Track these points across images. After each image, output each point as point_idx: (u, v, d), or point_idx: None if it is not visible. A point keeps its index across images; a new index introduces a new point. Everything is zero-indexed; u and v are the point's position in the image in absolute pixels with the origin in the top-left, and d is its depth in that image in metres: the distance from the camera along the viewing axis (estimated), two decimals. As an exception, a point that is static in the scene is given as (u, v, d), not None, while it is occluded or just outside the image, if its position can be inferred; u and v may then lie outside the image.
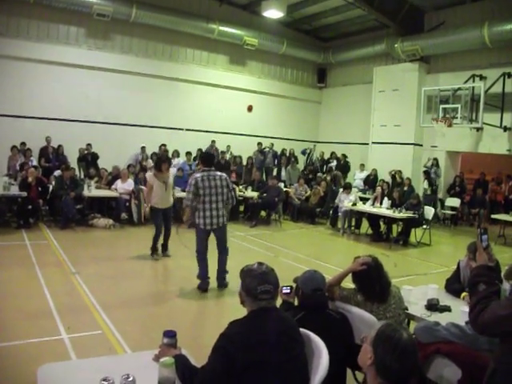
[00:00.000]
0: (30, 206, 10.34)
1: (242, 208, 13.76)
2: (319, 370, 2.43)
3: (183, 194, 8.04)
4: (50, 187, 11.23)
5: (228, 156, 16.85)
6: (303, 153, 17.86)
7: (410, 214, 10.78)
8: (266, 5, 15.28)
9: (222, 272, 6.81)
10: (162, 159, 8.69)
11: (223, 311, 5.88)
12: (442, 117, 13.36)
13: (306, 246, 10.84)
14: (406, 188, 13.53)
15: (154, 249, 8.40)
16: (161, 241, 8.46)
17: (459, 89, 13.31)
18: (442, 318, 3.54)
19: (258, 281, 2.42)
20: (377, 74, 17.53)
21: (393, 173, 15.39)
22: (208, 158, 7.00)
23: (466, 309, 3.76)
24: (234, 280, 6.84)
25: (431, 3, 15.57)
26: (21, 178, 11.09)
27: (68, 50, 15.00)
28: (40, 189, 10.68)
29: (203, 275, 6.71)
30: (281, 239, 11.22)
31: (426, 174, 14.93)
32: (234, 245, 10.04)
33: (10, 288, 6.28)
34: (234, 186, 13.00)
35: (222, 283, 6.79)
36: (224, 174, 6.79)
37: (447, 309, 3.89)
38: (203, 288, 6.68)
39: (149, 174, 8.49)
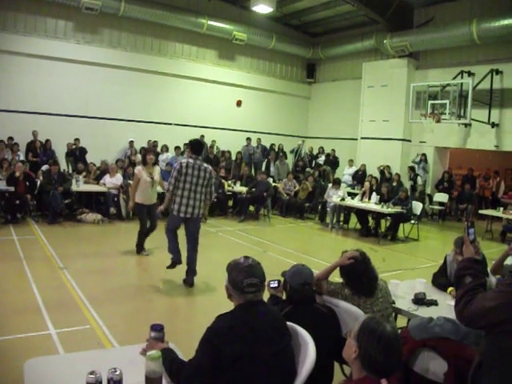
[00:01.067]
0: (17, 201, 10.27)
1: (230, 203, 13.78)
2: (306, 363, 2.43)
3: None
4: (38, 182, 11.16)
5: (215, 151, 16.81)
6: (292, 151, 17.84)
7: (398, 209, 10.85)
8: (255, 0, 15.23)
9: (191, 272, 6.66)
10: (147, 150, 8.63)
11: (210, 305, 5.87)
12: (431, 113, 13.41)
13: (294, 240, 10.87)
14: (394, 183, 13.59)
15: (140, 246, 8.31)
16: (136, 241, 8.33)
17: (448, 85, 13.36)
18: (429, 312, 3.56)
19: (244, 274, 2.43)
20: (366, 69, 17.57)
21: (381, 168, 15.46)
22: (197, 146, 6.75)
23: (453, 303, 3.80)
24: (221, 274, 6.85)
25: (419, 0, 15.61)
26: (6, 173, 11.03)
27: (56, 43, 14.86)
28: (28, 183, 10.62)
29: (173, 249, 6.68)
30: (269, 234, 11.24)
31: (412, 170, 15.00)
32: (222, 239, 10.13)
33: (-3, 283, 6.25)
34: (223, 180, 13.05)
35: (190, 283, 6.66)
36: (210, 167, 6.68)
37: (434, 303, 3.91)
38: (177, 260, 6.69)
39: (137, 168, 8.41)
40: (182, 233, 6.73)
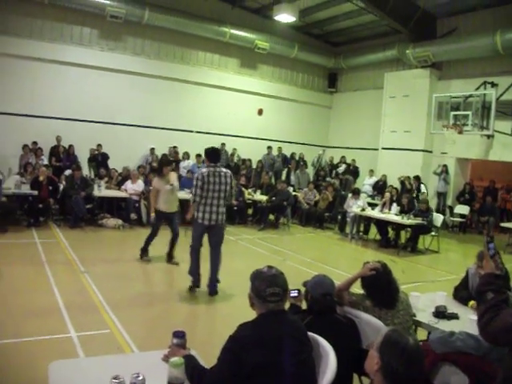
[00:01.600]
0: (40, 205, 10.44)
1: (250, 211, 13.80)
2: (327, 374, 2.45)
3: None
4: (61, 186, 11.31)
5: (235, 159, 16.88)
6: (313, 164, 17.80)
7: (418, 221, 10.76)
8: (278, 9, 15.29)
9: (214, 280, 6.66)
10: (163, 162, 8.67)
11: (229, 313, 5.88)
12: (453, 123, 13.31)
13: (313, 250, 10.85)
14: (415, 194, 13.49)
15: (144, 250, 8.26)
16: (167, 249, 8.26)
17: (470, 96, 13.26)
18: (450, 326, 3.54)
19: (267, 283, 2.45)
20: (388, 79, 17.52)
21: (402, 179, 15.36)
22: (213, 154, 6.73)
23: (474, 317, 3.78)
24: (242, 282, 6.87)
25: (444, 9, 15.50)
26: (30, 176, 11.20)
27: (81, 50, 15.14)
28: (51, 188, 10.76)
29: (194, 272, 6.69)
30: (289, 243, 11.24)
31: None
32: (241, 247, 10.15)
33: (20, 285, 6.34)
34: (243, 189, 13.09)
35: (213, 291, 6.65)
36: (229, 171, 6.69)
37: (455, 316, 3.88)
38: (197, 284, 6.69)
39: (154, 180, 8.46)
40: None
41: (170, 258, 8.25)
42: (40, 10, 14.33)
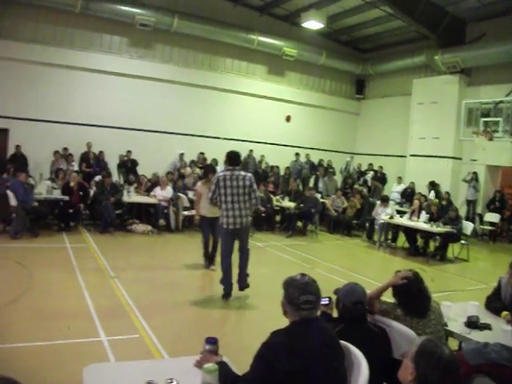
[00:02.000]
0: (71, 210, 10.63)
1: (278, 218, 13.80)
2: (359, 383, 2.43)
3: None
4: (91, 192, 11.48)
5: (263, 165, 16.90)
6: (341, 171, 17.75)
7: (447, 229, 10.63)
8: (306, 16, 15.34)
9: (242, 275, 6.75)
10: (209, 169, 8.79)
11: (257, 320, 5.89)
12: (483, 130, 13.16)
13: (341, 257, 10.80)
14: (444, 202, 13.34)
15: (207, 255, 8.33)
16: (208, 253, 8.34)
17: (501, 102, 13.09)
18: (482, 337, 3.49)
19: (300, 291, 2.45)
20: (416, 85, 17.40)
21: (431, 186, 15.21)
22: (233, 157, 6.76)
23: (508, 328, 3.72)
24: (268, 288, 6.88)
25: (473, 14, 15.36)
26: (61, 182, 11.41)
27: (110, 58, 15.41)
28: (81, 193, 10.93)
29: (227, 283, 6.72)
30: (317, 250, 11.19)
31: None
32: (269, 254, 10.15)
33: (52, 289, 6.45)
34: (271, 195, 13.09)
35: (243, 285, 6.74)
36: (249, 174, 6.66)
37: (487, 327, 3.81)
38: (229, 293, 6.71)
39: (198, 185, 8.61)
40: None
41: (210, 261, 8.31)
42: (71, 20, 14.64)
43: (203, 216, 8.21)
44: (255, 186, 6.63)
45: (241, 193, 6.47)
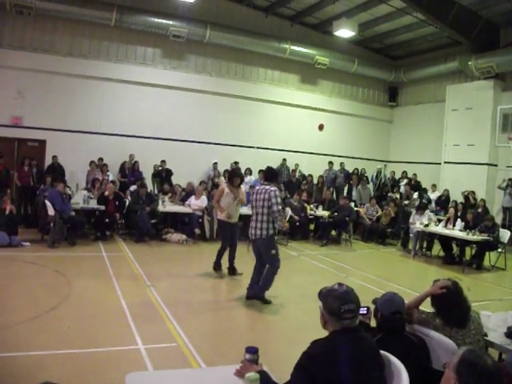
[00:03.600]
0: (107, 219, 10.80)
1: (312, 227, 13.77)
2: (399, 393, 2.41)
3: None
4: (126, 202, 11.64)
5: (297, 174, 16.90)
6: (372, 180, 17.62)
7: (484, 237, 10.43)
8: (337, 24, 15.32)
9: (256, 283, 6.85)
10: (234, 173, 8.79)
11: (290, 329, 5.88)
12: (519, 136, 12.91)
13: (376, 266, 10.69)
14: (479, 210, 13.10)
15: (218, 264, 8.30)
16: (226, 264, 8.32)
17: (538, 107, 12.83)
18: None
19: (341, 300, 2.44)
20: (449, 92, 17.17)
21: (466, 194, 14.97)
22: (268, 174, 7.03)
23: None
24: (302, 297, 6.87)
25: (507, 18, 15.09)
26: (97, 192, 11.62)
27: (145, 69, 15.68)
28: (117, 203, 11.11)
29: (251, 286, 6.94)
30: (351, 259, 11.11)
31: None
32: (303, 263, 10.14)
33: (89, 297, 6.56)
34: (305, 204, 13.05)
35: (250, 296, 6.86)
36: (273, 188, 6.64)
37: (529, 337, 3.74)
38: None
39: (224, 183, 8.78)
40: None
41: (232, 270, 8.31)
42: (106, 33, 15.03)
43: (223, 221, 8.16)
44: (274, 200, 6.57)
45: (260, 205, 6.65)
